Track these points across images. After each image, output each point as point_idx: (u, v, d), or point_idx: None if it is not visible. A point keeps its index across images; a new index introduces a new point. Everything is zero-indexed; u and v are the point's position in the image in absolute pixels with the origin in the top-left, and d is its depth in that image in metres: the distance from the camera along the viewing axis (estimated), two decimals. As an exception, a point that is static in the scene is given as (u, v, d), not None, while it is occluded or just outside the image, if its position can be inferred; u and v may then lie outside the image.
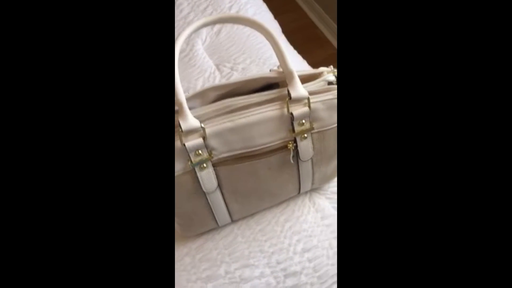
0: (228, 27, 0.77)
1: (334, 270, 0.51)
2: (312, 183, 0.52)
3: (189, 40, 0.75)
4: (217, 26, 0.77)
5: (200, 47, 0.74)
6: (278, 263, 0.50)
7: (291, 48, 0.80)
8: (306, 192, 0.55)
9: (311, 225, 0.53)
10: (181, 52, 0.73)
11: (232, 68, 0.70)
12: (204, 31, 0.76)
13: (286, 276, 0.50)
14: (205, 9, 0.81)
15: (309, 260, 0.51)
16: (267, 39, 0.43)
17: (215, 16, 0.44)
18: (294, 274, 0.50)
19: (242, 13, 0.79)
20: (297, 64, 0.73)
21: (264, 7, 0.88)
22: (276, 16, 0.89)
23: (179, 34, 0.42)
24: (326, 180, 0.54)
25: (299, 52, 0.79)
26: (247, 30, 0.76)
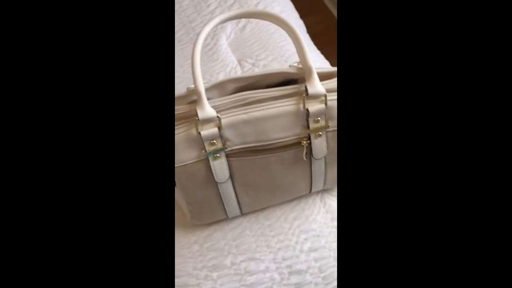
0: (253, 23, 0.77)
1: (340, 272, 0.51)
2: (324, 183, 0.52)
3: (214, 34, 0.76)
4: (242, 22, 0.78)
5: (224, 42, 0.75)
6: (284, 259, 0.50)
7: (314, 48, 0.80)
8: (318, 192, 0.55)
9: (320, 225, 0.53)
10: (205, 46, 0.75)
11: (253, 64, 0.71)
12: (229, 26, 0.77)
13: (290, 273, 0.50)
14: (232, 5, 0.81)
15: (315, 260, 0.51)
16: (289, 34, 0.43)
17: (238, 10, 0.44)
18: (299, 272, 0.50)
19: (269, 10, 0.80)
20: (319, 64, 0.72)
21: (291, 5, 0.87)
22: (304, 17, 0.89)
23: (203, 27, 0.43)
24: (339, 181, 0.53)
25: (325, 53, 0.78)
26: (271, 27, 0.76)
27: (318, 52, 0.78)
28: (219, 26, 0.77)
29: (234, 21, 0.78)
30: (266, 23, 0.79)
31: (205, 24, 0.42)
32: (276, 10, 0.81)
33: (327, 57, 0.77)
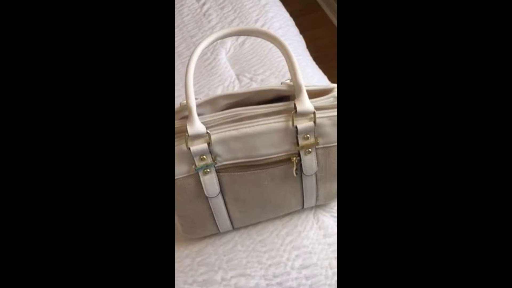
0: (252, 39, 0.79)
1: (331, 290, 0.50)
2: (317, 199, 0.51)
3: (213, 49, 0.78)
4: (241, 38, 0.79)
5: (223, 57, 0.76)
6: (275, 276, 0.50)
7: (313, 64, 0.80)
8: (311, 208, 0.55)
9: (312, 241, 0.52)
10: (205, 60, 0.76)
11: (251, 79, 0.72)
12: (229, 42, 0.79)
13: (281, 291, 0.49)
14: (232, 21, 0.83)
15: (306, 278, 0.50)
16: (281, 51, 0.44)
17: (232, 29, 0.45)
18: (290, 289, 0.49)
19: (268, 27, 0.81)
20: (317, 79, 0.73)
21: (291, 22, 0.89)
22: (308, 30, 0.89)
23: (197, 45, 0.44)
24: (331, 197, 0.53)
25: (330, 67, 0.79)
26: (270, 43, 0.77)
27: (316, 67, 0.79)
28: (219, 41, 0.79)
29: (234, 37, 0.80)
30: (265, 38, 0.81)
31: (201, 41, 0.43)
32: (275, 26, 0.82)
33: (331, 71, 0.77)
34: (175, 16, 0.85)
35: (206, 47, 0.45)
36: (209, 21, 0.83)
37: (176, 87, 0.73)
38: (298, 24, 0.90)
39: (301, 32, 0.89)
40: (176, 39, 0.81)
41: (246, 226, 0.53)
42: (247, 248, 0.52)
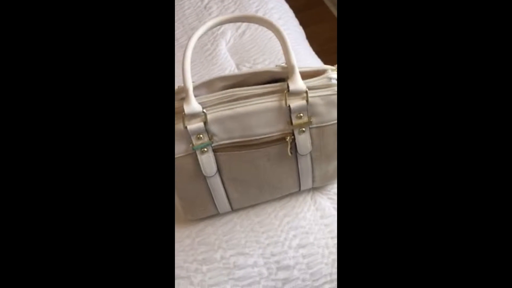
0: (252, 29, 0.80)
1: (327, 269, 0.51)
2: (313, 181, 0.53)
3: (214, 40, 0.79)
4: (241, 28, 0.81)
5: (223, 47, 0.78)
6: (273, 255, 0.51)
7: (312, 53, 0.81)
8: (308, 191, 0.56)
9: (310, 222, 0.53)
10: (205, 50, 0.78)
11: (251, 68, 0.73)
12: (229, 32, 0.80)
13: (278, 269, 0.50)
14: (232, 12, 0.85)
15: (303, 256, 0.51)
16: (275, 34, 0.45)
17: (228, 15, 0.47)
18: (287, 267, 0.50)
19: (267, 17, 0.82)
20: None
21: (290, 13, 0.90)
22: (311, 25, 0.91)
23: (195, 32, 0.46)
24: (328, 179, 0.54)
25: (332, 60, 0.80)
26: (269, 33, 0.78)
27: (316, 57, 0.80)
28: (219, 32, 0.80)
29: (234, 28, 0.81)
30: (264, 29, 0.82)
31: (198, 30, 0.45)
32: (274, 17, 0.84)
33: (334, 63, 0.78)
34: (177, 9, 0.87)
35: (204, 33, 0.46)
36: (210, 14, 0.85)
37: (178, 78, 0.75)
38: (301, 19, 0.91)
39: (305, 27, 0.90)
40: (177, 31, 0.83)
41: (244, 208, 0.55)
42: (245, 228, 0.53)
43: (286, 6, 0.90)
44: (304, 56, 0.75)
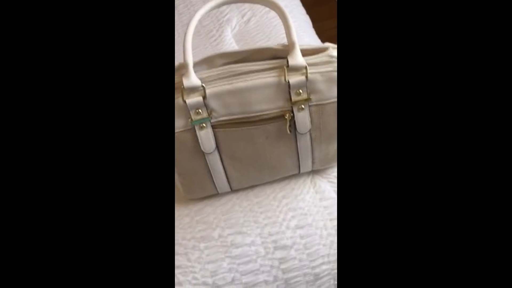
0: (257, 16, 0.80)
1: (325, 250, 0.51)
2: (313, 162, 0.52)
3: (219, 26, 0.80)
4: (247, 15, 0.81)
5: (228, 34, 0.78)
6: (270, 234, 0.51)
7: (318, 40, 0.81)
8: (308, 174, 0.56)
9: (308, 204, 0.53)
10: (211, 37, 0.78)
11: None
12: (235, 19, 0.81)
13: (275, 248, 0.50)
14: (239, 0, 0.85)
15: (301, 237, 0.51)
16: (276, 12, 0.45)
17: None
18: (284, 247, 0.50)
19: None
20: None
21: (297, 1, 0.90)
22: (321, 20, 0.92)
23: (198, 10, 0.46)
24: (328, 162, 0.54)
25: None
26: (274, 20, 0.78)
27: (319, 41, 0.80)
28: (225, 19, 0.81)
29: (240, 15, 0.81)
30: (270, 16, 0.82)
31: (201, 8, 0.45)
32: (281, 3, 0.84)
33: None
34: (184, -4, 0.88)
35: (207, 12, 0.46)
36: (216, 1, 0.86)
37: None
38: (311, 15, 0.91)
39: (314, 22, 0.90)
40: (184, 17, 0.84)
41: (244, 189, 0.55)
42: (244, 208, 0.53)
43: (292, -6, 0.90)
44: (308, 41, 0.75)
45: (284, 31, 0.78)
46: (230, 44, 0.76)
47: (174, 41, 0.76)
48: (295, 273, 0.50)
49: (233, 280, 0.49)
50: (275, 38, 0.75)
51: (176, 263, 0.50)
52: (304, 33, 0.79)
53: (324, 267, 0.50)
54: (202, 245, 0.51)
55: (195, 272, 0.49)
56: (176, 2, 0.87)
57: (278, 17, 0.46)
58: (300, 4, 0.90)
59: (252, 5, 0.81)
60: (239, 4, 0.83)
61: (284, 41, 0.74)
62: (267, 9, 0.82)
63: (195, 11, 0.85)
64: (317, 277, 0.50)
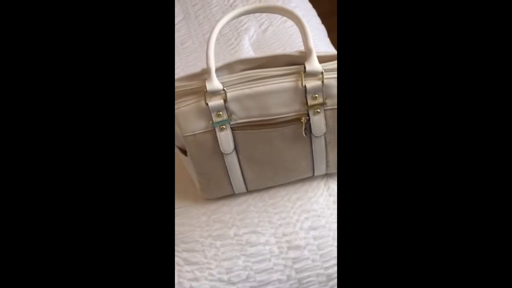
0: (274, 26, 0.83)
1: (338, 252, 0.52)
2: (327, 166, 0.54)
3: (237, 35, 0.83)
4: (264, 25, 0.84)
5: (246, 42, 0.81)
6: (284, 235, 0.53)
7: (333, 49, 0.83)
8: (322, 177, 0.57)
9: (322, 206, 0.55)
10: (229, 45, 0.82)
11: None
12: (253, 29, 0.84)
13: (289, 248, 0.52)
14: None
15: (314, 238, 0.52)
16: (294, 21, 0.48)
17: (251, 5, 0.49)
18: (298, 247, 0.52)
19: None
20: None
21: (313, 12, 0.93)
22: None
23: (219, 21, 0.49)
24: (342, 165, 0.55)
25: None
26: (291, 29, 0.81)
27: (334, 50, 0.82)
28: (243, 28, 0.84)
29: (257, 24, 0.85)
30: (286, 25, 0.85)
31: (222, 18, 0.48)
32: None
33: None
34: (204, 7, 0.92)
35: (227, 22, 0.49)
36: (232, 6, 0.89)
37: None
38: (326, 25, 0.93)
39: (330, 33, 0.93)
40: (205, 27, 0.88)
41: (259, 190, 0.57)
42: (259, 209, 0.55)
43: (309, 5, 0.93)
44: (324, 49, 0.77)
45: (299, 40, 0.81)
46: (248, 52, 0.79)
47: (174, 47, 0.79)
48: (308, 273, 0.51)
49: (247, 277, 0.51)
50: (291, 47, 0.78)
51: (193, 259, 0.52)
52: (320, 42, 0.81)
53: (336, 268, 0.51)
54: (218, 243, 0.53)
55: (211, 269, 0.51)
56: (197, 13, 0.91)
57: (294, 27, 0.49)
58: (316, 14, 0.93)
59: (269, 14, 0.84)
60: (257, 14, 0.87)
61: (301, 49, 0.77)
62: (284, 18, 0.85)
63: (215, 21, 0.90)
64: (329, 278, 0.51)
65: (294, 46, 0.78)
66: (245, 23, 0.85)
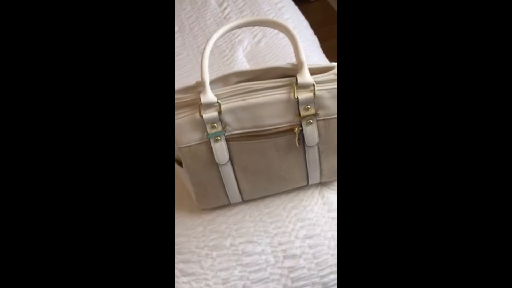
0: (268, 37, 0.85)
1: (333, 260, 0.52)
2: (321, 174, 0.55)
3: (231, 46, 0.84)
4: (258, 36, 0.86)
5: (240, 53, 0.83)
6: (280, 244, 0.53)
7: (325, 60, 0.85)
8: (316, 185, 0.58)
9: (317, 215, 0.55)
10: (223, 56, 0.83)
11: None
12: (246, 40, 0.86)
13: (285, 257, 0.52)
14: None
15: (310, 247, 0.53)
16: (285, 34, 0.49)
17: (245, 19, 0.51)
18: (293, 256, 0.52)
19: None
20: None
21: (305, 23, 0.95)
22: (328, 40, 0.96)
23: (214, 32, 0.50)
24: (336, 174, 0.56)
25: None
26: (284, 41, 0.83)
27: (326, 60, 0.83)
28: (237, 39, 0.86)
29: (251, 36, 0.86)
30: (280, 37, 0.87)
31: (216, 31, 0.49)
32: (290, 26, 0.88)
33: None
34: (199, 19, 0.93)
35: (222, 35, 0.50)
36: (226, 18, 0.91)
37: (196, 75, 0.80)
38: (319, 34, 0.96)
39: (322, 42, 0.95)
40: (199, 39, 0.89)
41: (254, 200, 0.57)
42: (254, 218, 0.56)
43: (301, 17, 0.95)
44: (316, 60, 0.79)
45: (292, 51, 0.82)
46: (242, 63, 0.81)
47: (174, 52, 0.80)
48: (304, 282, 0.52)
49: (244, 287, 0.51)
50: (284, 58, 0.80)
51: (190, 270, 0.52)
52: (312, 52, 0.83)
53: (332, 276, 0.52)
54: (214, 253, 0.53)
55: (207, 279, 0.51)
56: (191, 25, 0.93)
57: (287, 38, 0.50)
58: (308, 25, 0.95)
59: (263, 27, 0.86)
60: (250, 26, 0.88)
61: (293, 60, 0.79)
62: (277, 31, 0.87)
63: (210, 33, 0.91)
64: (325, 286, 0.52)
65: (287, 57, 0.80)
66: (239, 35, 0.86)
